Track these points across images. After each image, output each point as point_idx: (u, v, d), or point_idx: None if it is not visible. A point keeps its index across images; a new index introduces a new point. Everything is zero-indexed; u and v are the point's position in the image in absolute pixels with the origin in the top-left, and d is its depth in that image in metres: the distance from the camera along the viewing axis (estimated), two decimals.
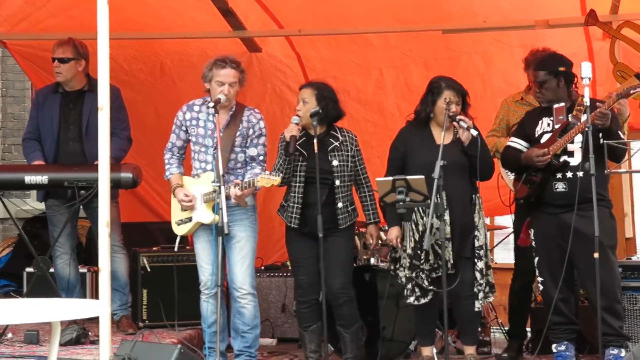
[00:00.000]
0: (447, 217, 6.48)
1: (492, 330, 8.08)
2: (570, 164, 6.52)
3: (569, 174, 6.50)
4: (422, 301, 6.68)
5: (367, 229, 7.15)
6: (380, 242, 7.97)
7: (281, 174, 6.54)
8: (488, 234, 7.33)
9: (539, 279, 6.73)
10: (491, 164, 6.85)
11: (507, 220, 8.23)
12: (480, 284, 6.64)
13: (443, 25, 8.42)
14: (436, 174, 6.17)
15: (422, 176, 6.27)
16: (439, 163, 6.21)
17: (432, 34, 8.53)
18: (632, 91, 6.52)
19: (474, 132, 6.55)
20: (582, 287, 7.02)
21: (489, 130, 7.51)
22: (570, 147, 6.52)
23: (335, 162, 6.81)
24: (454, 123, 6.58)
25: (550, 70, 6.72)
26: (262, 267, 8.57)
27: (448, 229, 6.47)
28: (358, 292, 7.04)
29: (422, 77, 8.44)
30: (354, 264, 7.37)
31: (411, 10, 8.31)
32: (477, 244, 6.67)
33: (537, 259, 6.73)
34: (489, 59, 8.75)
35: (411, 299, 6.71)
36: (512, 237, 7.74)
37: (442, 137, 6.49)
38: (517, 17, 8.30)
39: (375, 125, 9.07)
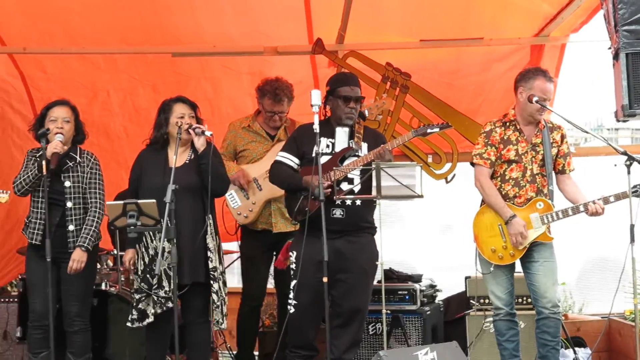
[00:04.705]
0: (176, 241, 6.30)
1: (220, 355, 8.10)
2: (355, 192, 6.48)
3: (348, 202, 6.42)
4: (147, 321, 6.46)
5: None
6: (107, 267, 7.85)
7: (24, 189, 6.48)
8: None
9: (293, 302, 6.47)
10: (223, 173, 6.71)
11: (232, 246, 8.24)
12: (218, 306, 6.51)
13: (172, 48, 8.41)
14: (168, 197, 6.04)
15: (154, 200, 6.13)
16: (171, 187, 6.07)
17: (161, 58, 8.52)
18: (429, 130, 6.62)
19: (208, 133, 6.47)
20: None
21: None
22: (350, 174, 6.48)
23: (67, 184, 6.64)
24: (190, 131, 6.50)
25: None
26: None
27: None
28: None
29: (150, 100, 8.42)
30: None
31: (140, 33, 8.25)
32: (210, 265, 6.54)
33: (294, 282, 6.46)
34: (217, 85, 8.83)
35: (138, 323, 6.49)
36: (238, 261, 7.79)
37: (174, 160, 6.33)
38: (246, 44, 8.42)
39: (101, 148, 8.83)
